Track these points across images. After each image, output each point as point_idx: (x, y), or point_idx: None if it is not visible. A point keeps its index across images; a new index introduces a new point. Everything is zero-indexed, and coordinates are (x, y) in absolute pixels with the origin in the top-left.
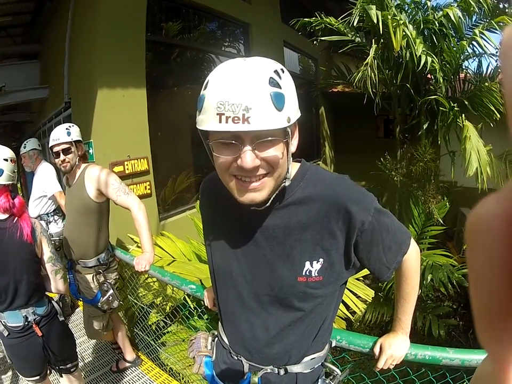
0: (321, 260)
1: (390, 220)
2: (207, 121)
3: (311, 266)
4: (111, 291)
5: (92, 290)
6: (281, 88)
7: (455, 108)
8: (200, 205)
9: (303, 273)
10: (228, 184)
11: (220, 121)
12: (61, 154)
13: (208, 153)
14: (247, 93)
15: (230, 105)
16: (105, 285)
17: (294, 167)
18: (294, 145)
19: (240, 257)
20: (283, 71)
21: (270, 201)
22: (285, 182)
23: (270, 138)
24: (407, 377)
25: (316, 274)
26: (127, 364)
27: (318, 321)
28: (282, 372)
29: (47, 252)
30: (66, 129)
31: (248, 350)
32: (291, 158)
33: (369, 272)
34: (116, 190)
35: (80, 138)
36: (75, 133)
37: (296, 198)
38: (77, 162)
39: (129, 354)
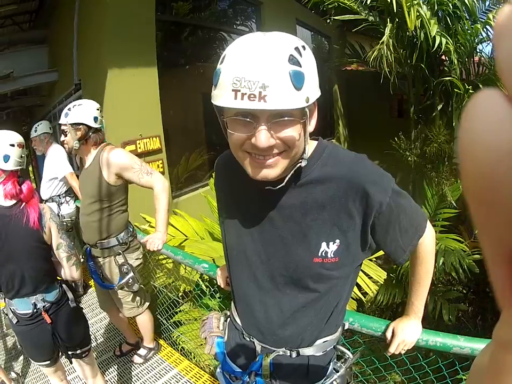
0: (337, 240)
1: (408, 202)
2: (222, 96)
3: (327, 247)
4: (131, 274)
5: (115, 276)
6: (301, 67)
7: (470, 91)
8: (215, 182)
9: (319, 254)
10: (241, 161)
11: (235, 98)
12: (62, 134)
13: (222, 129)
14: (265, 70)
15: (246, 81)
16: (125, 266)
17: (311, 146)
18: (312, 125)
19: (255, 236)
20: (304, 48)
21: (285, 180)
22: (301, 162)
23: (286, 118)
24: (416, 363)
25: (332, 256)
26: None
27: (332, 303)
28: (294, 354)
29: (56, 238)
30: (69, 109)
31: (261, 331)
32: (308, 138)
33: (382, 253)
34: (137, 172)
35: (83, 121)
36: (75, 115)
37: (313, 177)
38: (75, 146)
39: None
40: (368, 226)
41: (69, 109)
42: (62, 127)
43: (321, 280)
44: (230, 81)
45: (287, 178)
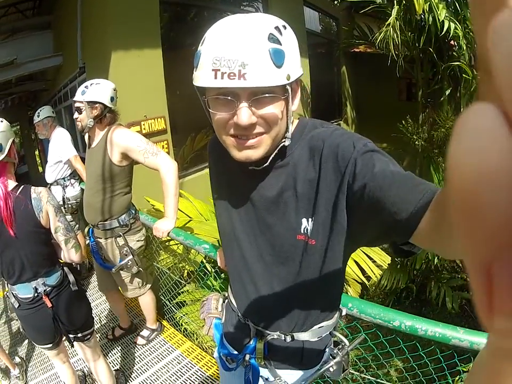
0: (317, 215)
1: (387, 160)
2: (202, 77)
3: (308, 223)
4: (130, 256)
5: (116, 257)
6: (281, 45)
7: (478, 77)
8: (208, 163)
9: (302, 231)
10: (224, 142)
11: (216, 77)
12: (76, 111)
13: (205, 110)
14: (244, 49)
15: (225, 60)
16: (125, 248)
17: (293, 125)
18: (295, 104)
19: (242, 217)
20: (285, 28)
21: (269, 160)
22: (284, 142)
23: (267, 95)
24: (415, 353)
25: (315, 231)
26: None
27: (324, 285)
28: (289, 338)
29: (54, 222)
30: (85, 87)
31: (255, 314)
32: (291, 117)
33: None
34: (142, 152)
35: (100, 100)
36: (93, 93)
37: (295, 155)
38: (89, 124)
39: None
40: (350, 196)
41: (86, 87)
42: (77, 104)
43: (309, 258)
44: (210, 61)
45: (270, 158)
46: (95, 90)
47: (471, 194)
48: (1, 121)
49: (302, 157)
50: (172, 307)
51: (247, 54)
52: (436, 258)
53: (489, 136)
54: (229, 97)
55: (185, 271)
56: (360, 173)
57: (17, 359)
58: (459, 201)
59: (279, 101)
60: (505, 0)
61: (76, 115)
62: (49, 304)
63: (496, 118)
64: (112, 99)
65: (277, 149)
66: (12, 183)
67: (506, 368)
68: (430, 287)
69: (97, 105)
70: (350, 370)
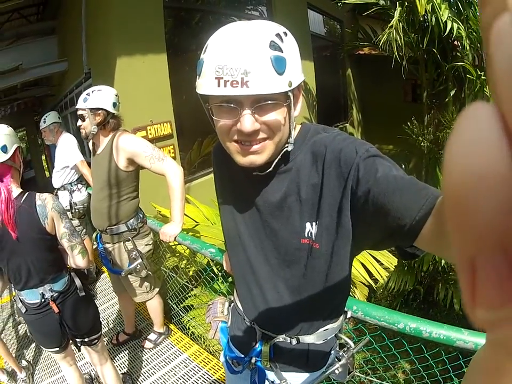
0: (321, 220)
1: (390, 165)
2: (205, 85)
3: (312, 227)
4: (139, 260)
5: (125, 262)
6: (282, 52)
7: (482, 77)
8: (213, 168)
9: (306, 235)
10: (228, 148)
11: (219, 85)
12: (79, 119)
13: (209, 118)
14: (246, 57)
15: (228, 69)
16: (133, 252)
17: (296, 131)
18: (297, 109)
19: (247, 221)
20: (286, 35)
21: (272, 165)
22: (287, 147)
23: (270, 102)
24: (421, 354)
25: (319, 235)
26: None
27: (329, 288)
28: (294, 341)
29: (59, 228)
30: (87, 94)
31: (261, 317)
32: (294, 123)
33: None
34: (148, 157)
35: (102, 106)
36: (95, 100)
37: (298, 161)
38: (93, 131)
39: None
40: (354, 202)
41: (88, 94)
42: (80, 112)
43: (314, 262)
44: (213, 69)
45: (274, 163)
46: (97, 97)
47: (465, 198)
48: (7, 127)
49: (305, 162)
50: (179, 311)
51: (249, 61)
52: (443, 259)
53: (486, 142)
54: (232, 105)
55: (191, 271)
56: (363, 178)
57: (24, 362)
58: (453, 203)
59: (281, 107)
60: (506, 3)
61: (79, 122)
62: (56, 310)
63: (493, 121)
64: (114, 105)
65: (280, 154)
66: (16, 190)
67: (501, 362)
68: (438, 289)
69: (100, 111)
70: (356, 373)
